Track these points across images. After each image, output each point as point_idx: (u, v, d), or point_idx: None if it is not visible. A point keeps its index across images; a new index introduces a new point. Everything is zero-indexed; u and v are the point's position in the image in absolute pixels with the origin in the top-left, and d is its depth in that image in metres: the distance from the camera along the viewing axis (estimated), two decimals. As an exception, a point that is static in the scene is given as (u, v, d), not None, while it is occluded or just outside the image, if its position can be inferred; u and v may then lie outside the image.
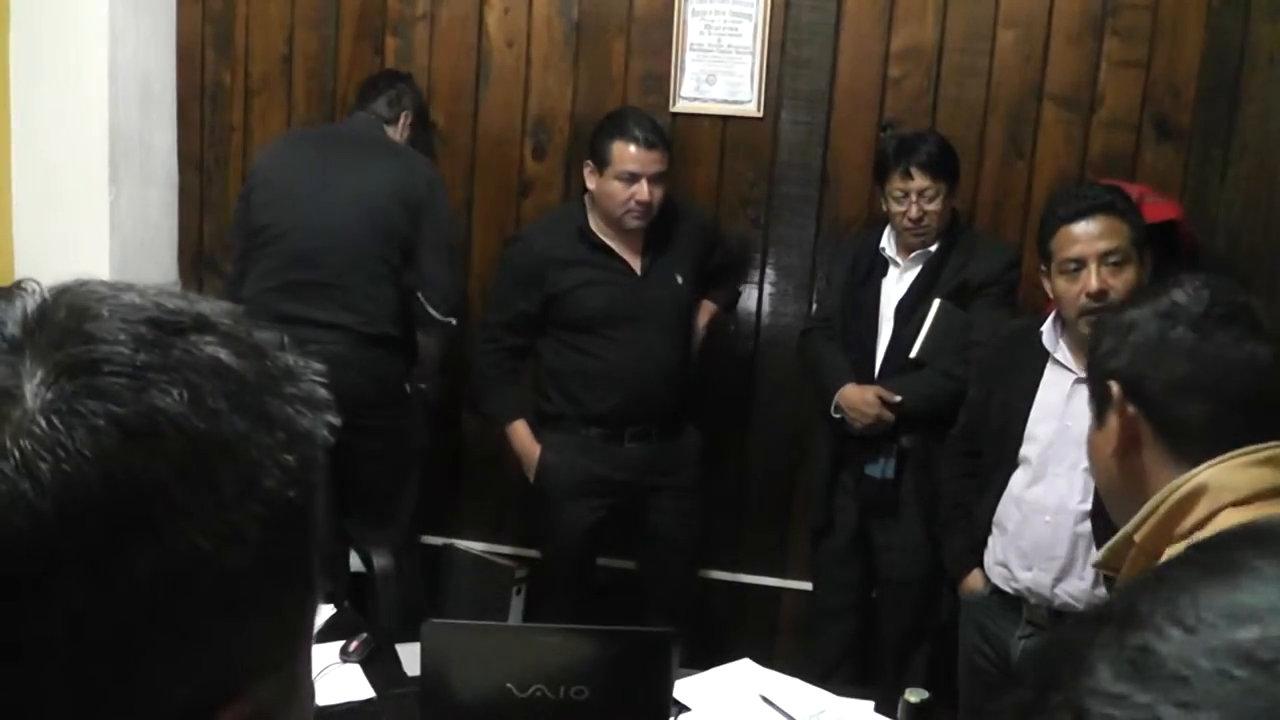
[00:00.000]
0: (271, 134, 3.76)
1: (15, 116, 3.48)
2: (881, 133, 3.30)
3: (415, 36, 3.64)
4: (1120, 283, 2.33)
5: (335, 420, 0.56)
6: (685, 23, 3.49)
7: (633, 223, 3.09)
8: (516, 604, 3.59)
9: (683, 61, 3.50)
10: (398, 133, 3.38)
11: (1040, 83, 3.35)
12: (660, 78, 3.51)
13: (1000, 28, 3.35)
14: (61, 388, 0.48)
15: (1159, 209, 2.96)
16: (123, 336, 0.50)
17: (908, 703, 2.10)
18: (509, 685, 1.90)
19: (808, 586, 3.50)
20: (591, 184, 3.11)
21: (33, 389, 0.48)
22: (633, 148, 3.03)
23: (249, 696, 0.52)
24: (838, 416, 3.11)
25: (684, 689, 2.19)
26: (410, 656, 2.21)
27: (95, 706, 0.47)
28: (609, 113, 3.25)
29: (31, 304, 0.52)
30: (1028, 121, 3.37)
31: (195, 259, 3.86)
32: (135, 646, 0.48)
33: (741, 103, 3.48)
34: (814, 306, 3.44)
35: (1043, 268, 2.46)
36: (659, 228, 3.18)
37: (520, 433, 3.21)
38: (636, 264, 3.17)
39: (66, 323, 0.51)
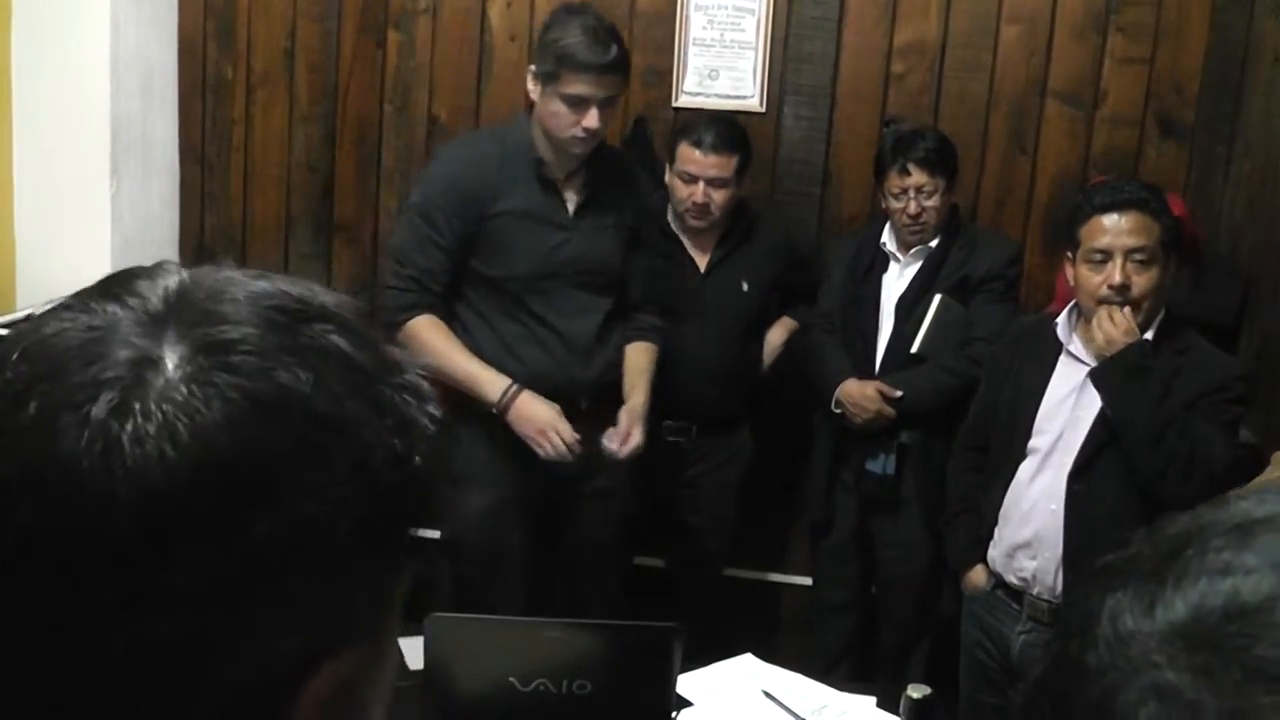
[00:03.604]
0: (273, 127, 3.76)
1: (17, 109, 3.48)
2: (884, 128, 3.30)
3: (418, 30, 3.63)
4: (1144, 280, 2.34)
5: (437, 412, 0.59)
6: (688, 17, 3.48)
7: (691, 222, 3.10)
8: (517, 598, 3.59)
9: (685, 56, 3.49)
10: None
11: (1043, 79, 3.35)
12: (663, 73, 3.51)
13: (1003, 23, 3.35)
14: (199, 362, 0.52)
15: (1162, 206, 2.96)
16: (255, 320, 0.54)
17: (910, 698, 2.09)
18: (512, 679, 1.90)
19: (808, 582, 3.50)
20: (667, 179, 3.16)
21: (174, 361, 0.52)
22: (696, 151, 3.05)
23: (342, 659, 0.55)
24: (838, 412, 3.11)
25: (686, 683, 2.19)
26: (413, 650, 2.20)
27: (208, 654, 0.51)
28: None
29: (172, 283, 0.56)
30: (1030, 118, 3.37)
31: (196, 252, 3.85)
32: (248, 601, 0.51)
33: (744, 98, 3.48)
34: (815, 302, 3.43)
35: (1068, 254, 2.47)
36: (736, 233, 3.19)
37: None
38: (703, 262, 3.18)
39: (206, 304, 0.55)
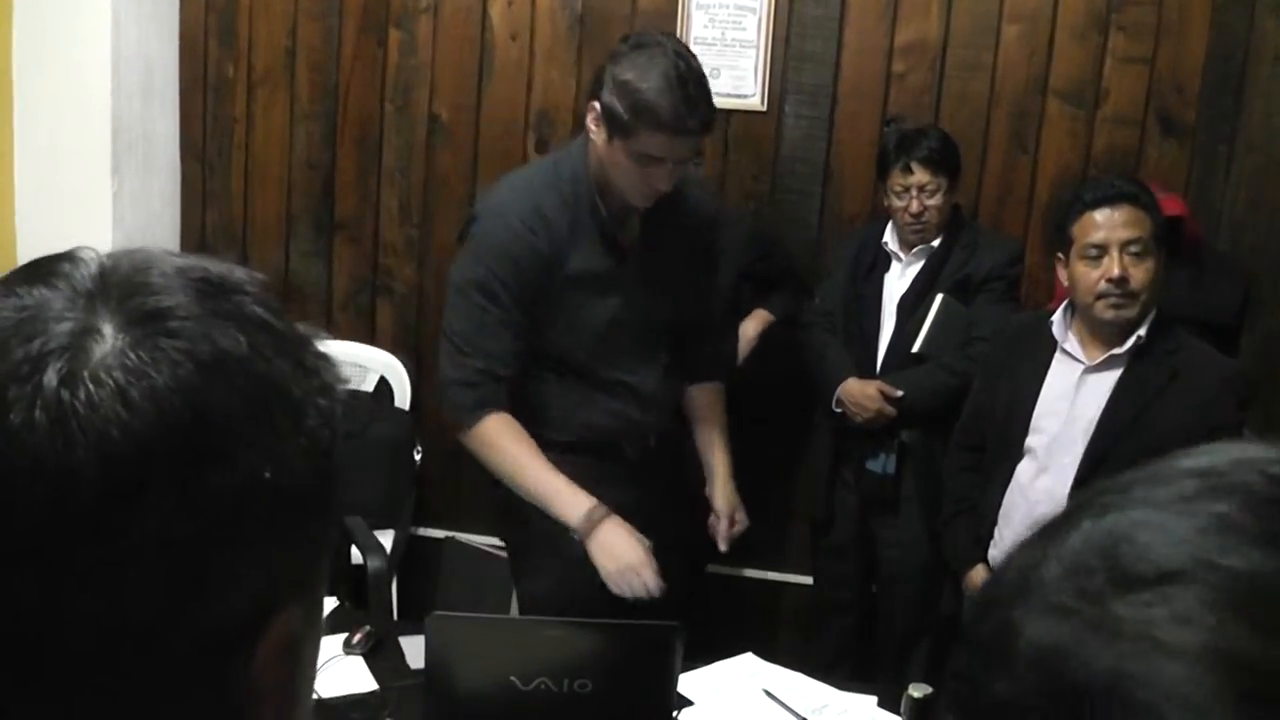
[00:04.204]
0: (274, 126, 3.77)
1: (18, 107, 3.48)
2: (886, 127, 3.31)
3: (419, 29, 3.63)
4: (1141, 272, 2.35)
5: (345, 379, 0.62)
6: (689, 16, 3.48)
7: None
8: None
9: (686, 55, 3.49)
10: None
11: (1044, 78, 3.35)
12: (664, 71, 3.50)
13: (1005, 22, 3.35)
14: (138, 331, 0.54)
15: (1163, 205, 2.96)
16: (184, 289, 0.56)
17: (911, 698, 2.10)
18: (513, 678, 1.90)
19: (809, 581, 3.50)
20: None
21: (112, 330, 0.54)
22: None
23: (288, 615, 0.58)
24: (839, 411, 3.11)
25: (687, 682, 2.19)
26: (413, 649, 2.21)
27: (169, 615, 0.53)
28: None
29: (93, 263, 0.58)
30: (1032, 117, 3.37)
31: (198, 250, 3.84)
32: (210, 556, 0.54)
33: (745, 97, 3.48)
34: (816, 301, 3.43)
35: (1059, 255, 2.47)
36: None
37: None
38: None
39: (135, 278, 0.57)
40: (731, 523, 2.56)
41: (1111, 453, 2.38)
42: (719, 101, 3.41)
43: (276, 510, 0.55)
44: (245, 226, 3.84)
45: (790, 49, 3.45)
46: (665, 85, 2.14)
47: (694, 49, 3.47)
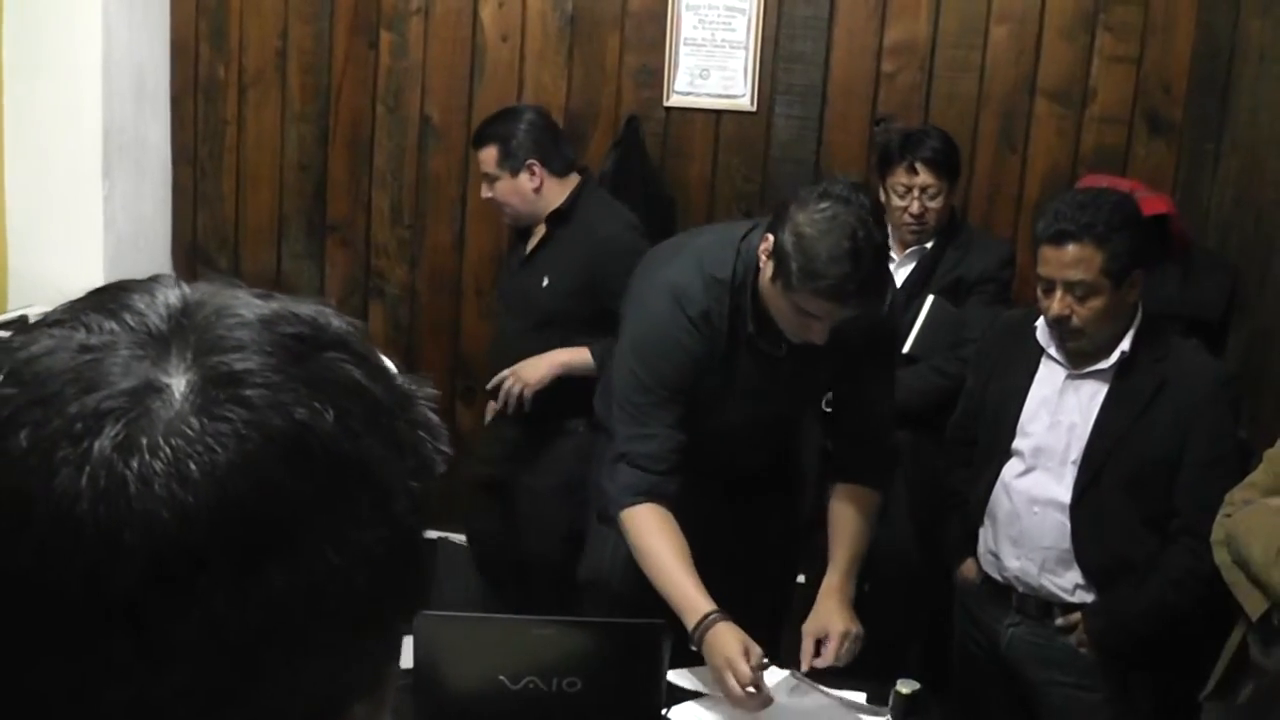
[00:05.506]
0: (265, 128, 3.77)
1: (9, 111, 3.48)
2: (875, 127, 3.32)
3: (410, 30, 3.64)
4: (1085, 311, 2.32)
5: (447, 449, 0.55)
6: (679, 17, 3.49)
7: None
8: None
9: (676, 56, 3.51)
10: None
11: (1033, 78, 3.36)
12: (654, 72, 3.52)
13: (993, 23, 3.36)
14: (210, 394, 0.48)
15: (1150, 204, 2.97)
16: (268, 348, 0.50)
17: (899, 694, 2.11)
18: (502, 678, 1.91)
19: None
20: None
21: (181, 390, 0.48)
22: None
23: (351, 716, 0.52)
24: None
25: (677, 680, 2.20)
26: (403, 649, 2.21)
27: (220, 709, 0.47)
28: None
29: (173, 299, 0.51)
30: (1020, 116, 3.38)
31: (189, 253, 3.86)
32: (264, 657, 0.48)
33: (735, 97, 3.49)
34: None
35: None
36: (552, 227, 3.07)
37: None
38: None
39: (214, 328, 0.50)
40: (816, 648, 2.29)
41: (1107, 465, 2.39)
42: (709, 103, 3.46)
43: (348, 606, 0.49)
44: (237, 229, 3.84)
45: (780, 49, 3.46)
46: (839, 254, 2.01)
47: (684, 50, 3.52)
